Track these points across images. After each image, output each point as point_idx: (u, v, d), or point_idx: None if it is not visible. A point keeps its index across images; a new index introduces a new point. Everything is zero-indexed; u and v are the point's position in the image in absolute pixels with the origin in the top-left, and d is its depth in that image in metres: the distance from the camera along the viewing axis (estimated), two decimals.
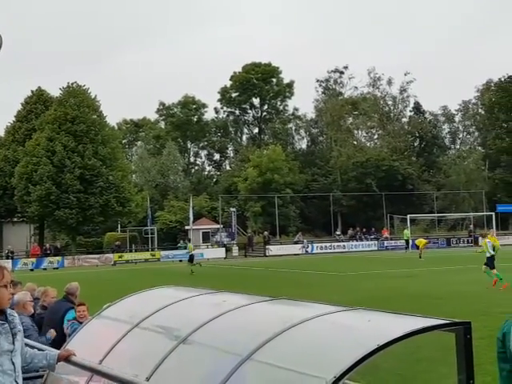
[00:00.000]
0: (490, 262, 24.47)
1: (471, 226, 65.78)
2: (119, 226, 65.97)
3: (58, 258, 53.09)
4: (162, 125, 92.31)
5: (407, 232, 55.22)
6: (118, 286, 28.06)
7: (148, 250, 58.31)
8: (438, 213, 70.66)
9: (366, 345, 3.80)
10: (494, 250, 24.67)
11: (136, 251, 58.39)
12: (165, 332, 5.49)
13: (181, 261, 52.92)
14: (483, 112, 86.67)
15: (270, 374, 4.33)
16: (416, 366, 9.84)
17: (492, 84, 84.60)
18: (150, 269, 44.11)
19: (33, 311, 9.21)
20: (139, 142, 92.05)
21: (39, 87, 66.78)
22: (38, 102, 65.12)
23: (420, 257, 42.64)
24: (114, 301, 6.79)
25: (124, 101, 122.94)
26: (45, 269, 49.69)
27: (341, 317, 4.66)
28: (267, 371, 4.35)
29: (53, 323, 9.10)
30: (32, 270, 48.70)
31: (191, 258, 40.69)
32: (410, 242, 52.79)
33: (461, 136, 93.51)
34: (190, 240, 47.21)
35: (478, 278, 27.02)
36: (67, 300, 9.58)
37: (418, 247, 45.57)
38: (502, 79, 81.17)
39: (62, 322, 9.10)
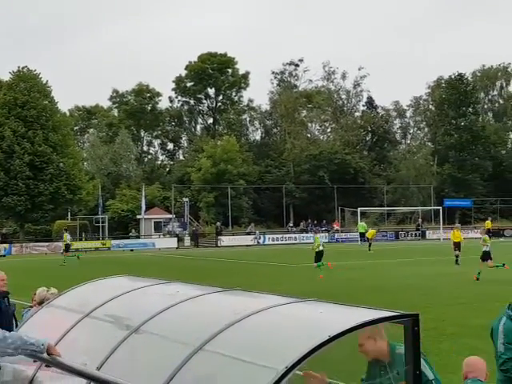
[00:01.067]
0: (319, 257, 28.68)
1: (419, 219, 66.97)
2: (69, 213, 65.11)
3: (4, 245, 52.03)
4: (115, 112, 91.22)
5: (364, 225, 56.18)
6: (67, 274, 27.72)
7: (98, 239, 57.72)
8: (387, 206, 71.75)
9: (318, 336, 3.85)
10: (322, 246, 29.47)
11: (86, 240, 57.75)
12: (116, 322, 5.46)
13: (132, 250, 52.64)
14: (433, 108, 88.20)
15: (222, 365, 4.35)
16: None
17: (442, 81, 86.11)
18: (100, 258, 43.69)
19: None
20: (91, 130, 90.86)
21: None
22: None
23: (369, 249, 43.23)
24: (64, 290, 6.72)
25: (76, 87, 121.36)
26: None
27: (293, 308, 4.70)
28: (219, 362, 4.37)
29: None
30: None
31: (67, 248, 40.75)
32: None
33: (411, 131, 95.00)
34: (66, 230, 46.06)
35: (424, 271, 27.61)
36: None
37: (368, 239, 46.22)
38: (452, 76, 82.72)
39: None
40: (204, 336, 4.36)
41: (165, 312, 5.00)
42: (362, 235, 54.28)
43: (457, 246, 31.34)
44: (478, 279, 23.41)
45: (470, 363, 5.23)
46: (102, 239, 57.26)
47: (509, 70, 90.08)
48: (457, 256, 30.91)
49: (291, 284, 23.11)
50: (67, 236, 42.36)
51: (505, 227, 63.70)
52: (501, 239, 57.32)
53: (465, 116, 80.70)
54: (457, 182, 77.52)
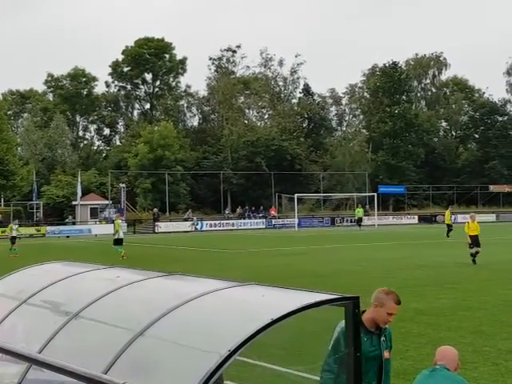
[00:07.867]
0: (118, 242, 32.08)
1: (354, 205, 68.22)
2: (2, 199, 63.60)
3: None
4: (50, 97, 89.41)
5: (361, 210, 58.56)
6: (1, 261, 27.07)
7: (33, 226, 56.51)
8: (323, 193, 72.55)
9: (260, 319, 3.87)
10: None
11: (20, 226, 56.38)
12: (55, 308, 5.37)
13: (68, 236, 51.84)
14: (368, 96, 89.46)
15: (164, 350, 4.33)
16: (302, 341, 10.12)
17: (377, 69, 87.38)
18: (35, 244, 42.84)
19: None
20: (26, 114, 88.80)
21: None
22: None
23: (447, 235, 38.37)
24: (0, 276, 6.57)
25: (10, 71, 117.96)
26: None
27: (235, 292, 4.72)
28: (161, 347, 4.36)
29: None
30: None
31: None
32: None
33: (347, 118, 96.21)
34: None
35: (361, 256, 28.08)
36: None
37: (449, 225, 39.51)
38: (387, 64, 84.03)
39: None
40: (145, 321, 4.34)
41: (105, 297, 4.95)
42: (360, 220, 56.41)
43: (474, 240, 24.11)
44: None
45: (439, 351, 5.45)
46: (37, 226, 56.09)
47: (441, 58, 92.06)
48: (476, 253, 23.84)
49: (230, 269, 23.17)
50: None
51: (437, 213, 65.27)
52: (434, 225, 58.87)
53: (399, 104, 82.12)
54: (391, 168, 79.01)
